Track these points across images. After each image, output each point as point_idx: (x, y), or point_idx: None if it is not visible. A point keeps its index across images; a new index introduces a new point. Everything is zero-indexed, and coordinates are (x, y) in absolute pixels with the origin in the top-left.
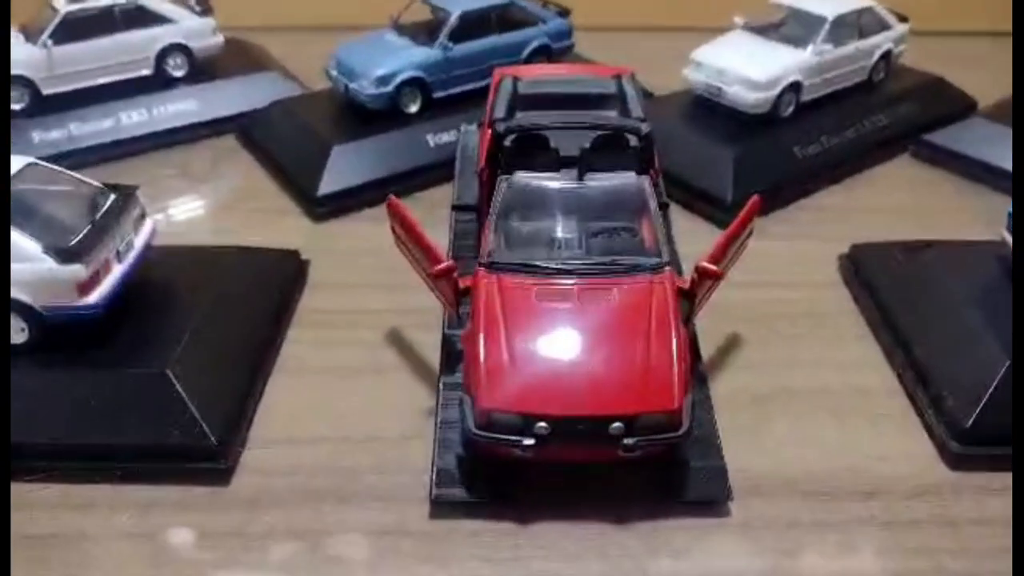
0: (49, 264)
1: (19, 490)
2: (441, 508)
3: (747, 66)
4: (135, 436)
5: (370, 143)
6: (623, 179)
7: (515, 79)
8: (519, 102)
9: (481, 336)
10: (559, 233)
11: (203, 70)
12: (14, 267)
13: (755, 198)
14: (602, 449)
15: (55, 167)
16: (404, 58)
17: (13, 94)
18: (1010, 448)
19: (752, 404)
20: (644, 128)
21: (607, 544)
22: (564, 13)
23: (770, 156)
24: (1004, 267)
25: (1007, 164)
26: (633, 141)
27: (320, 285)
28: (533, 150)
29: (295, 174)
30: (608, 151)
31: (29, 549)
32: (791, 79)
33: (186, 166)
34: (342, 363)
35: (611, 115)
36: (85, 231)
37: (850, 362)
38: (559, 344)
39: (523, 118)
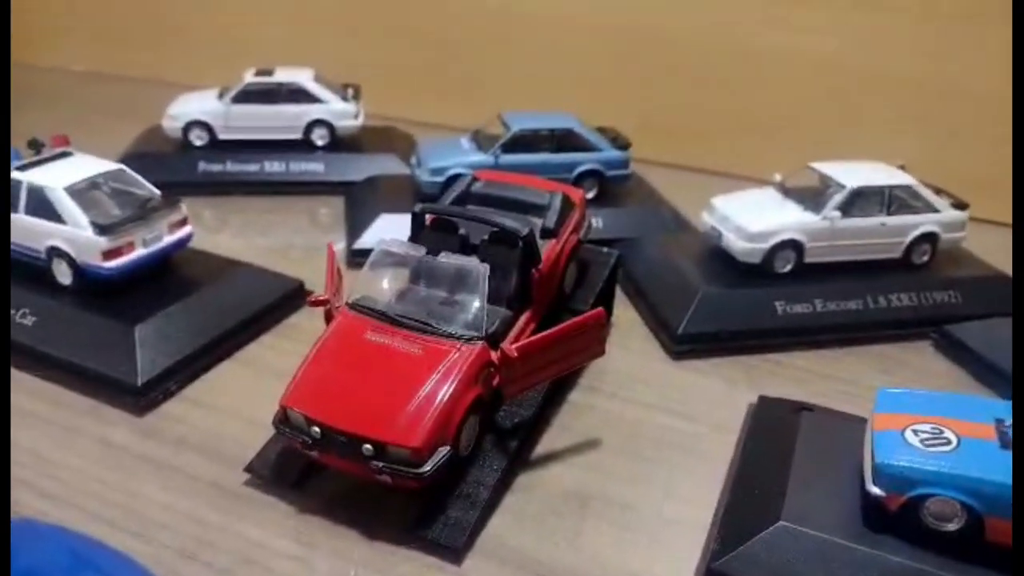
0: (88, 233)
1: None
2: (253, 479)
3: (745, 217)
4: (93, 363)
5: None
6: (467, 263)
7: (474, 179)
8: (470, 198)
9: (312, 352)
10: (419, 294)
11: (345, 143)
12: (71, 231)
13: (597, 311)
14: (360, 465)
15: (136, 175)
16: (460, 157)
17: (197, 133)
18: None
19: (562, 498)
20: (523, 231)
21: (346, 548)
22: (624, 147)
23: (745, 304)
24: (858, 440)
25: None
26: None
27: (318, 313)
28: (445, 232)
29: (352, 229)
30: (500, 245)
31: None
32: (787, 237)
33: (291, 210)
34: (284, 367)
35: (504, 217)
36: (122, 218)
37: (683, 495)
38: (357, 371)
39: (437, 205)
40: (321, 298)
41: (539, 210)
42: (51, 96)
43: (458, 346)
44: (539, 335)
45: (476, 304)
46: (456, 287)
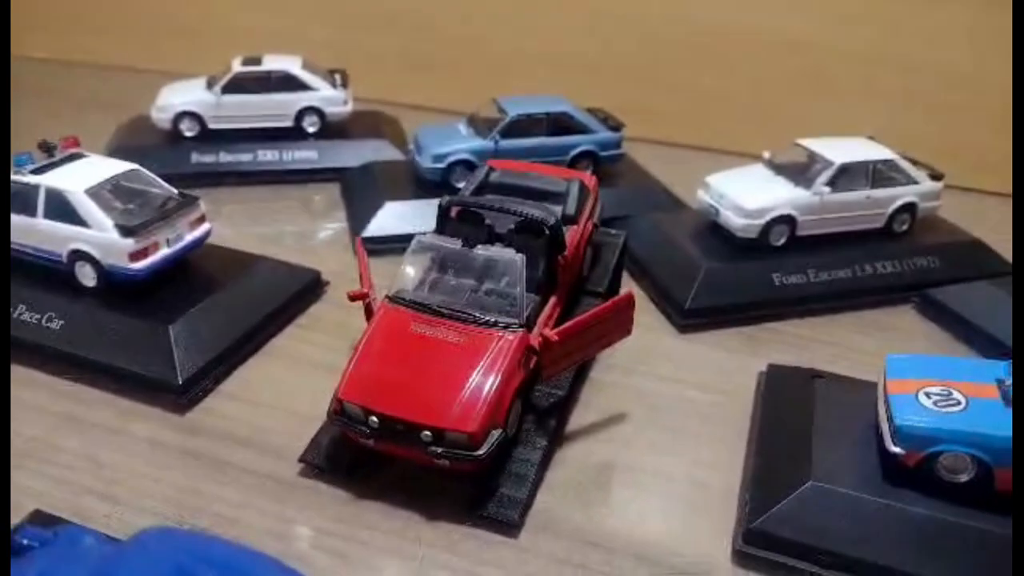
0: (114, 235)
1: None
2: (307, 469)
3: (742, 194)
4: (130, 363)
5: (419, 204)
6: (505, 254)
7: (490, 169)
8: (487, 188)
9: (361, 345)
10: (449, 284)
11: (335, 130)
12: (95, 234)
13: (626, 293)
14: (418, 452)
15: (151, 174)
16: (460, 143)
17: (188, 124)
18: (787, 557)
19: (598, 470)
20: (550, 221)
21: (407, 527)
22: (617, 128)
23: (745, 277)
24: (870, 403)
25: (1000, 334)
26: (545, 230)
27: (337, 303)
28: (471, 223)
29: (355, 217)
30: (527, 234)
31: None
32: (782, 212)
33: (286, 198)
34: (311, 358)
35: (531, 207)
36: (145, 219)
37: (709, 461)
38: (408, 362)
39: (463, 197)
40: (360, 292)
41: (556, 197)
42: (15, 86)
43: (501, 334)
44: (576, 319)
45: (516, 293)
46: (490, 276)
